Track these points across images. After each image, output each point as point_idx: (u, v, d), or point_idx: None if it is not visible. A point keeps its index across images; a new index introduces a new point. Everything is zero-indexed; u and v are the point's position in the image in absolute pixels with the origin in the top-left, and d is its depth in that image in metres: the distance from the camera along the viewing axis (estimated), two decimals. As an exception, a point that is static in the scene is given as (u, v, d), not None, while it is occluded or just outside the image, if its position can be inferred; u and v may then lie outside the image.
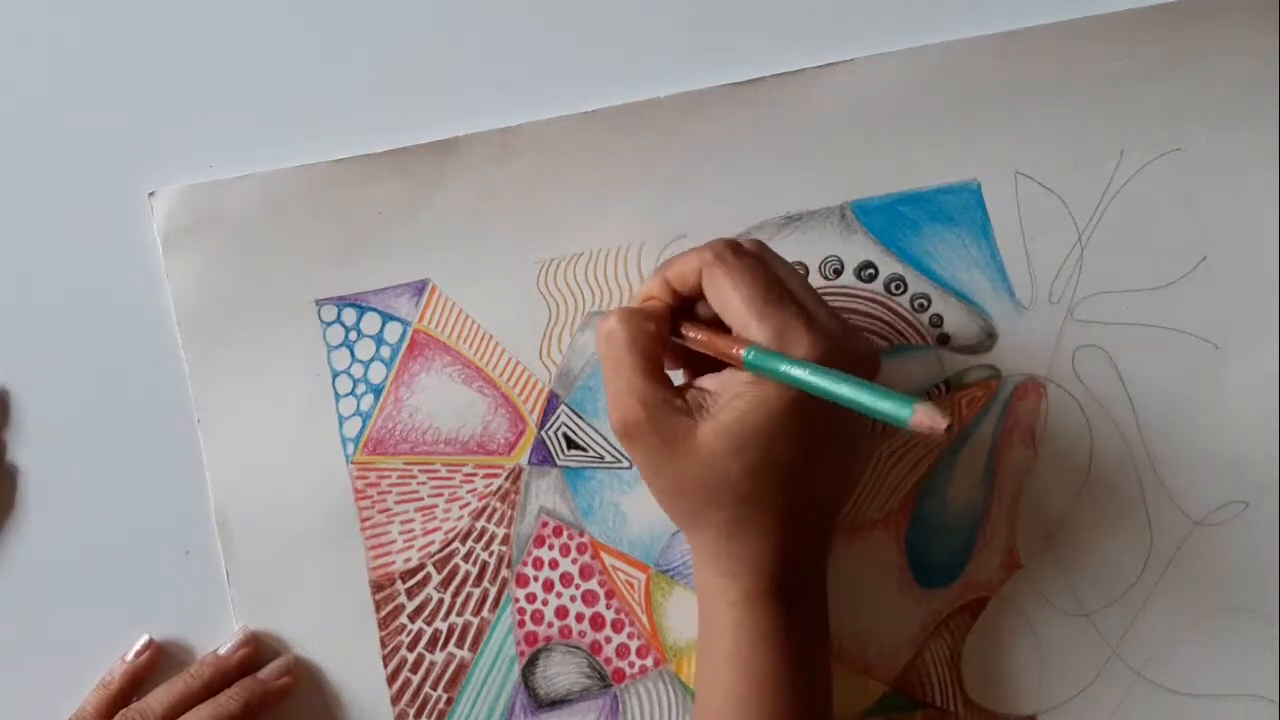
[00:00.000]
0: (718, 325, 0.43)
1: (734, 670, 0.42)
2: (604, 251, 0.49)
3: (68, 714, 0.46)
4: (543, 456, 0.49)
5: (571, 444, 0.49)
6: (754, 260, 0.42)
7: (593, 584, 0.48)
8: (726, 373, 0.42)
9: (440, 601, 0.48)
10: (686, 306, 0.44)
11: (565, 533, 0.48)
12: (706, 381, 0.42)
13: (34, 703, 0.47)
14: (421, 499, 0.48)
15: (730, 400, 0.41)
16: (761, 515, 0.41)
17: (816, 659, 0.43)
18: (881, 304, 0.49)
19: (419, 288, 0.49)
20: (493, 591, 0.48)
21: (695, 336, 0.43)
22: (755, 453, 0.40)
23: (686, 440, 0.41)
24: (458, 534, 0.48)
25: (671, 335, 0.44)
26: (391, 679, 0.48)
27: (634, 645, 0.48)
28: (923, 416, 0.34)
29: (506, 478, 0.49)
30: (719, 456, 0.40)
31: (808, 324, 0.40)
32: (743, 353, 0.40)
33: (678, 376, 0.45)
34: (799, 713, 0.42)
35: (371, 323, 0.49)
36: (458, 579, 0.48)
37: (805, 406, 0.40)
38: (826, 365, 0.38)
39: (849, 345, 0.41)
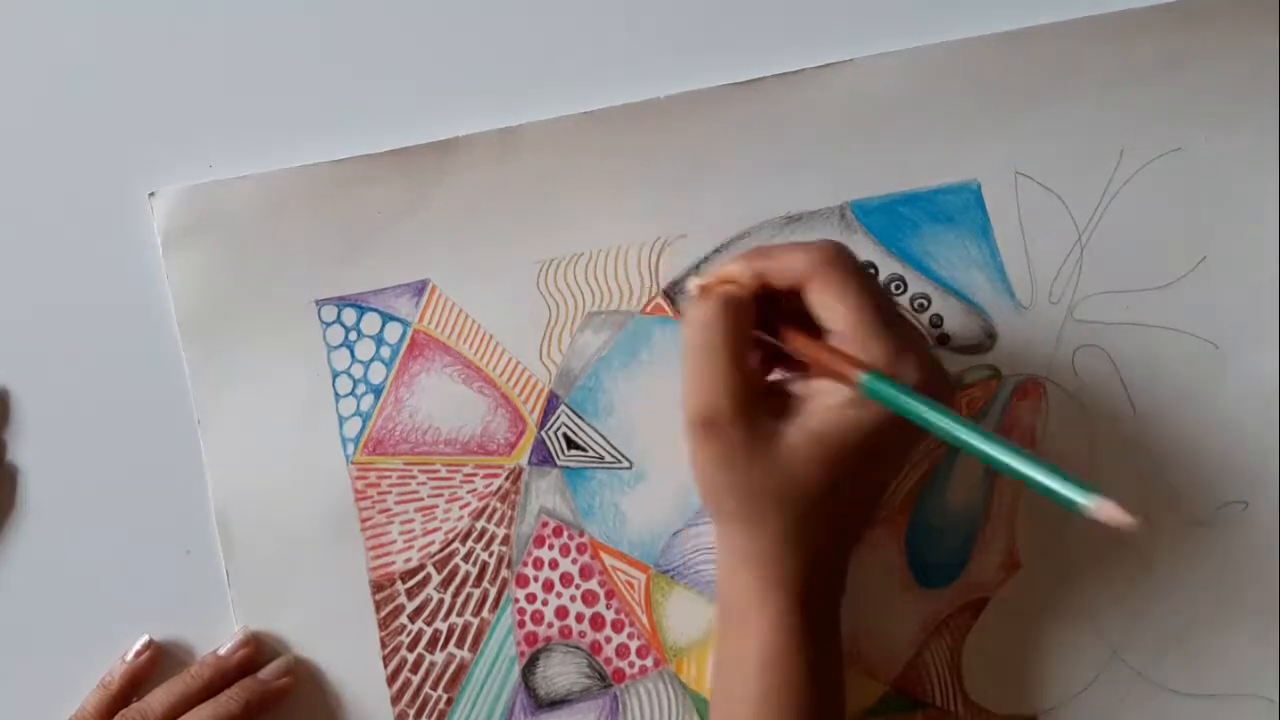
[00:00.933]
0: (807, 326, 0.41)
1: (772, 674, 0.41)
2: (604, 251, 0.49)
3: (68, 714, 0.46)
4: (543, 457, 0.49)
5: (572, 444, 0.49)
6: (866, 273, 0.41)
7: (593, 584, 0.48)
8: (817, 384, 0.40)
9: (440, 602, 0.48)
10: (768, 298, 0.42)
11: (565, 533, 0.48)
12: (798, 385, 0.41)
13: (34, 703, 0.47)
14: (421, 499, 0.48)
15: (827, 411, 0.40)
16: (826, 528, 0.41)
17: (840, 664, 0.44)
18: (881, 304, 0.49)
19: (419, 288, 0.49)
20: (493, 592, 0.48)
21: (802, 347, 0.41)
22: (845, 470, 0.40)
23: (771, 442, 0.40)
24: (458, 534, 0.48)
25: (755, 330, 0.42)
26: (391, 679, 0.48)
27: (634, 645, 0.48)
28: (1106, 513, 0.31)
29: (506, 478, 0.49)
30: (804, 464, 0.40)
31: (919, 350, 0.39)
32: (861, 376, 0.38)
33: None
34: (831, 714, 0.42)
35: (371, 323, 0.49)
36: (458, 579, 0.48)
37: (894, 437, 0.40)
38: (927, 393, 0.37)
39: (944, 373, 0.41)
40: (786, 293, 0.41)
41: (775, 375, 0.44)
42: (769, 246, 0.42)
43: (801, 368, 0.42)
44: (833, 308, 0.40)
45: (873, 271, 0.49)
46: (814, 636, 0.41)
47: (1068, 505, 0.32)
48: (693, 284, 0.44)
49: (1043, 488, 0.33)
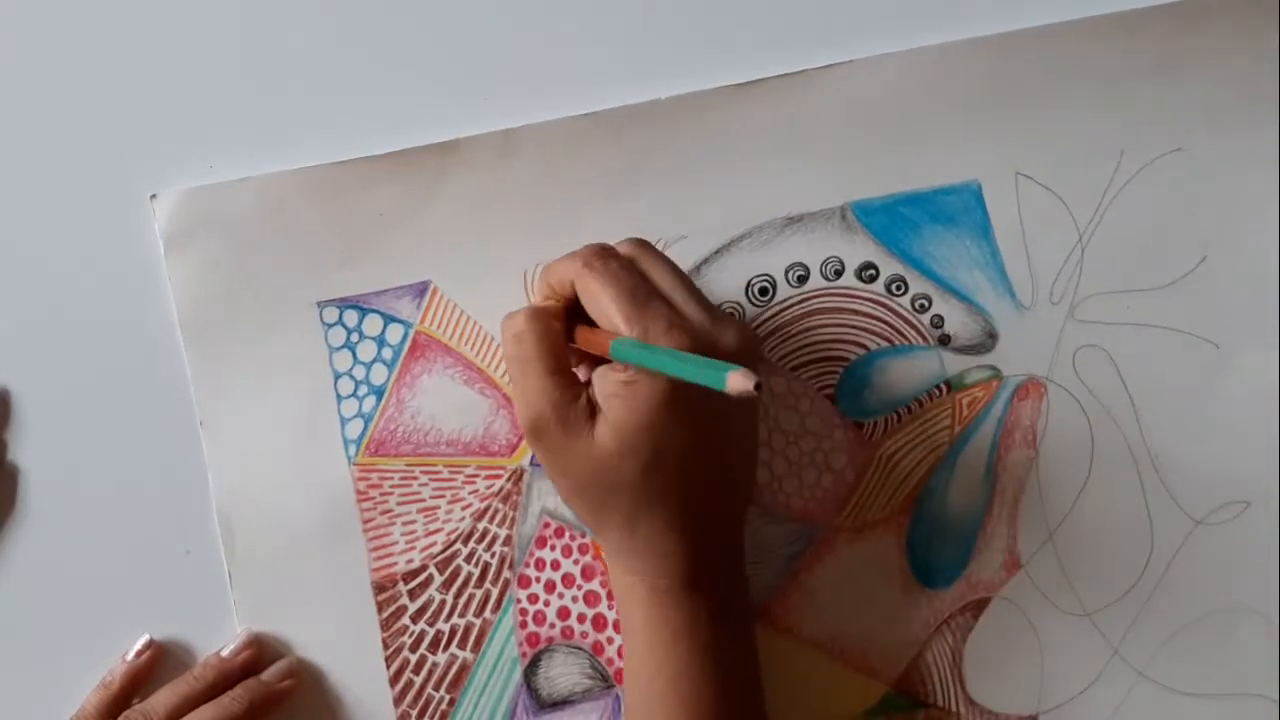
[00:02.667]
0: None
1: (651, 667, 0.42)
2: (605, 252, 0.49)
3: (68, 714, 0.46)
4: (544, 458, 0.49)
5: (573, 445, 0.49)
6: (621, 264, 0.42)
7: (594, 585, 0.48)
8: (606, 368, 0.42)
9: (442, 603, 0.48)
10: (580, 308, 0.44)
11: (567, 534, 0.49)
12: (596, 378, 0.42)
13: (34, 703, 0.47)
14: (423, 500, 0.48)
15: (609, 399, 0.41)
16: (659, 511, 0.42)
17: (738, 652, 0.44)
18: (882, 305, 0.49)
19: (420, 289, 0.49)
20: (495, 592, 0.48)
21: (580, 339, 0.43)
22: (644, 450, 0.41)
23: (585, 440, 0.41)
24: (460, 535, 0.48)
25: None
26: (394, 680, 0.48)
27: (636, 646, 0.48)
28: (735, 382, 0.35)
29: (508, 479, 0.49)
30: (613, 456, 0.41)
31: (670, 321, 0.41)
32: (611, 344, 0.41)
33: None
34: (721, 707, 0.42)
35: (373, 324, 0.49)
36: (460, 580, 0.48)
37: (683, 400, 0.41)
38: (686, 349, 0.40)
39: (719, 337, 0.42)
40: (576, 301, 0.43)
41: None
42: (553, 262, 0.44)
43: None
44: (596, 306, 0.42)
45: (801, 268, 0.49)
46: (696, 626, 0.42)
47: (714, 383, 0.35)
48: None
49: (690, 374, 0.37)
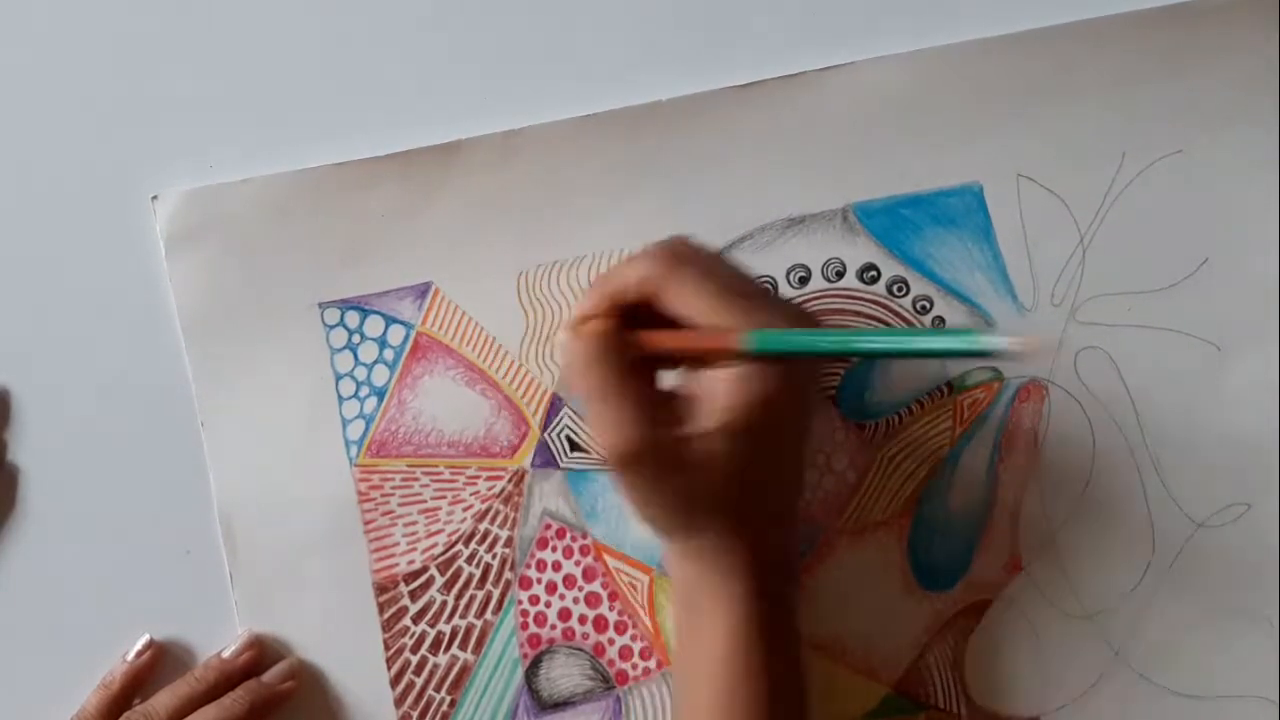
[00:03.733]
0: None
1: (732, 669, 0.42)
2: (604, 254, 0.49)
3: (68, 714, 0.46)
4: (546, 459, 0.49)
5: (575, 446, 0.49)
6: (710, 254, 0.42)
7: (596, 586, 0.48)
8: (705, 377, 0.41)
9: (443, 604, 0.48)
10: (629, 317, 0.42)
11: (568, 535, 0.48)
12: (692, 383, 0.41)
13: (34, 703, 0.47)
14: (424, 501, 0.48)
15: (713, 408, 0.40)
16: (760, 516, 0.42)
17: (801, 658, 0.43)
18: (884, 306, 0.49)
19: (422, 290, 0.49)
20: (496, 594, 0.48)
21: (677, 339, 0.41)
22: (752, 453, 0.40)
23: (682, 452, 0.40)
24: (461, 536, 0.48)
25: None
26: (395, 681, 0.48)
27: (637, 647, 0.48)
28: (1026, 342, 0.32)
29: (510, 480, 0.49)
30: (717, 461, 0.40)
31: (772, 301, 0.40)
32: (744, 336, 0.38)
33: None
34: (793, 711, 0.42)
35: (374, 325, 0.49)
36: (461, 581, 0.48)
37: (783, 405, 0.40)
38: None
39: (808, 315, 0.42)
40: (644, 305, 0.41)
41: (669, 380, 0.42)
42: (609, 270, 0.42)
43: (688, 363, 0.42)
44: (690, 305, 0.40)
45: (803, 269, 0.49)
46: (771, 628, 0.42)
47: (986, 354, 0.33)
48: (560, 335, 0.44)
49: (953, 353, 0.34)
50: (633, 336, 0.41)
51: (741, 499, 0.41)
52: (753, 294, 0.40)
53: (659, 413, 0.40)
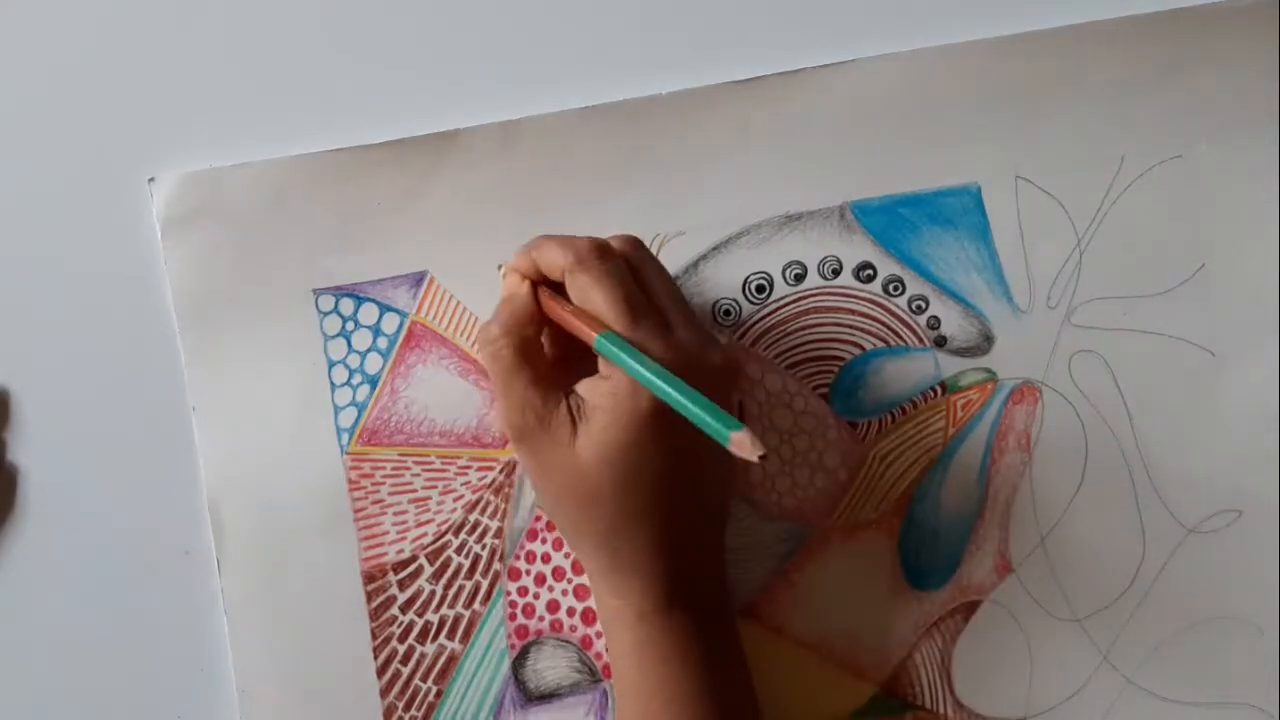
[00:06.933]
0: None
1: (646, 692, 0.42)
2: (603, 247, 0.49)
3: (68, 714, 0.46)
4: (537, 450, 0.49)
5: (566, 438, 0.49)
6: (618, 265, 0.42)
7: (584, 579, 0.48)
8: (593, 380, 0.42)
9: (432, 594, 0.48)
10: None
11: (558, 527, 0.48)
12: (581, 388, 0.42)
13: (34, 702, 0.47)
14: (415, 491, 0.48)
15: (594, 411, 0.41)
16: (640, 529, 0.41)
17: (729, 664, 0.43)
18: (879, 305, 0.49)
19: (417, 279, 0.49)
20: (484, 584, 0.48)
21: (559, 312, 0.43)
22: (624, 465, 0.40)
23: (566, 450, 0.41)
24: (451, 526, 0.48)
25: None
26: (381, 671, 0.48)
27: (625, 641, 0.48)
28: (740, 444, 0.35)
29: (501, 471, 0.48)
30: (593, 467, 0.41)
31: (664, 335, 0.41)
32: (595, 336, 0.40)
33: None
34: (729, 698, 0.42)
35: (369, 313, 0.48)
36: (450, 571, 0.48)
37: (665, 420, 0.40)
38: (673, 369, 0.39)
39: (706, 358, 0.42)
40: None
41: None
42: (543, 238, 0.44)
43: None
44: (583, 303, 0.41)
45: (799, 266, 0.49)
46: (686, 648, 0.42)
47: (718, 437, 0.36)
48: (501, 267, 0.45)
49: (698, 419, 0.37)
50: (537, 320, 0.43)
51: (616, 512, 0.41)
52: (637, 312, 0.41)
53: (558, 403, 0.41)
